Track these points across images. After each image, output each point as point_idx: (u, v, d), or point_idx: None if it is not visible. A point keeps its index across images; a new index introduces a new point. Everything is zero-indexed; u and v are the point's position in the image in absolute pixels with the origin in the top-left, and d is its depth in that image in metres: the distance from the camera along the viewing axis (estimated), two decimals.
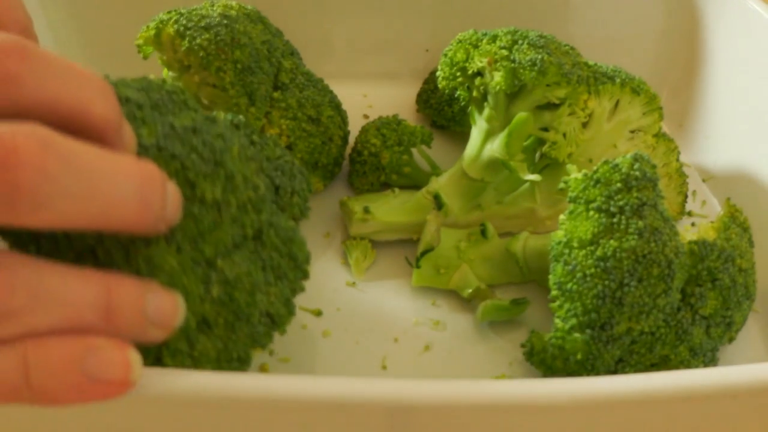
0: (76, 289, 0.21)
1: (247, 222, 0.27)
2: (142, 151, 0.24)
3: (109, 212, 0.21)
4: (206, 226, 0.25)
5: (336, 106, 0.46)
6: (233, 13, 0.42)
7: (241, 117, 0.32)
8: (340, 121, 0.46)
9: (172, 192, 0.23)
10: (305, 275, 0.30)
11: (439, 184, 0.42)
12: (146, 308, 0.22)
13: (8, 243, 0.24)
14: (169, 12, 0.41)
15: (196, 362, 0.25)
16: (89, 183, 0.20)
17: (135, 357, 0.22)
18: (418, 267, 0.40)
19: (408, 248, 0.43)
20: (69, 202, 0.19)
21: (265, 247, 0.28)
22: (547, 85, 0.39)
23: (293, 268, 0.29)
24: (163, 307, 0.23)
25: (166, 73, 0.42)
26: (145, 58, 0.42)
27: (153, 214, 0.22)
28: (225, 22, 0.41)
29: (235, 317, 0.26)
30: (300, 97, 0.43)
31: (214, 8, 0.42)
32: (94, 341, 0.21)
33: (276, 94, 0.43)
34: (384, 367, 0.36)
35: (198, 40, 0.39)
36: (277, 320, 0.28)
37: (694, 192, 0.49)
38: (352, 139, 0.47)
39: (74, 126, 0.21)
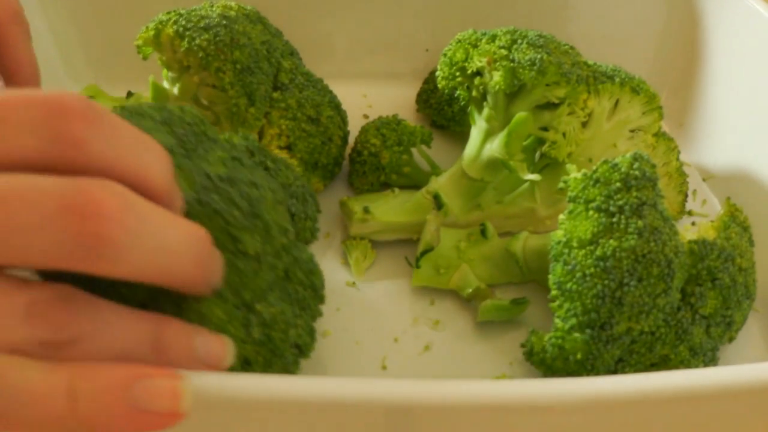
0: (129, 325, 0.22)
1: (280, 265, 0.28)
2: (186, 206, 0.25)
3: (170, 269, 0.21)
4: (248, 276, 0.26)
5: (336, 106, 0.46)
6: (232, 13, 0.42)
7: (254, 139, 0.32)
8: (340, 121, 0.46)
9: (216, 257, 0.24)
10: (322, 301, 0.31)
11: (438, 184, 0.42)
12: (196, 348, 0.23)
13: None
14: (168, 12, 0.41)
15: None
16: (159, 240, 0.21)
17: (186, 387, 0.21)
18: (417, 267, 0.40)
19: (408, 248, 0.43)
20: (141, 256, 0.20)
21: (291, 282, 0.29)
22: (547, 85, 0.39)
23: (314, 298, 0.30)
24: (214, 349, 0.24)
25: (166, 74, 0.42)
26: (145, 58, 0.42)
27: (205, 274, 0.23)
28: (224, 22, 0.41)
29: (272, 354, 0.27)
30: (299, 97, 0.43)
31: (214, 9, 0.42)
32: (143, 369, 0.21)
33: (275, 95, 0.43)
34: (384, 367, 0.36)
35: (197, 41, 0.39)
36: (304, 349, 0.29)
37: (694, 191, 0.49)
38: (352, 139, 0.47)
39: (133, 190, 0.21)
